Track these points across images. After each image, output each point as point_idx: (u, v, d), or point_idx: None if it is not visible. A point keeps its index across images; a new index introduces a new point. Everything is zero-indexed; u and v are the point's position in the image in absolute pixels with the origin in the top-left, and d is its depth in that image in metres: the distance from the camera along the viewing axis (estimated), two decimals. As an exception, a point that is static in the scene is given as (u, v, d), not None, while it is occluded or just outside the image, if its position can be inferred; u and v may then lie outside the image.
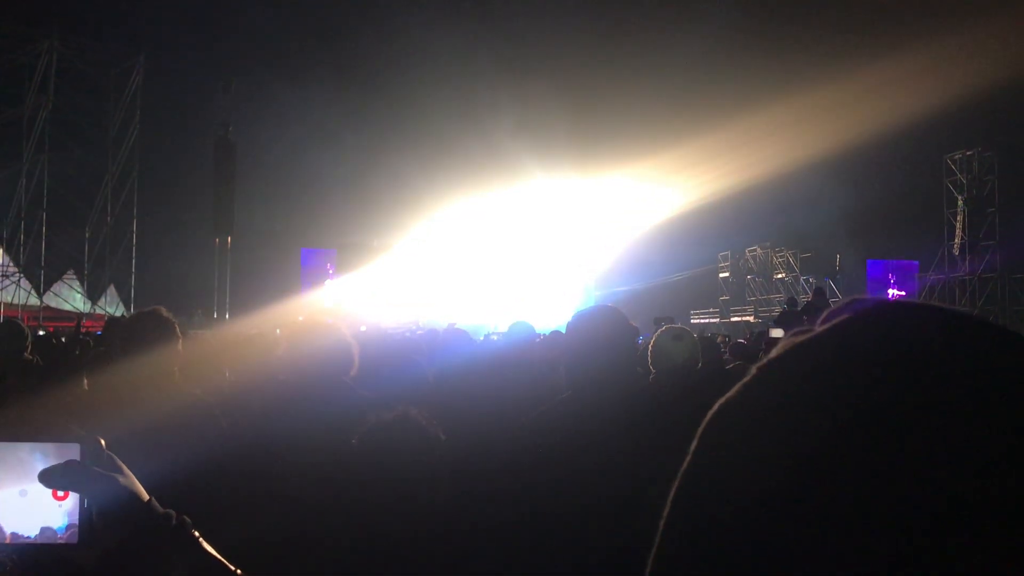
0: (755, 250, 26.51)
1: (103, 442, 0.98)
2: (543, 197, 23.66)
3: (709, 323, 25.39)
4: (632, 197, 23.53)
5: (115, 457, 0.99)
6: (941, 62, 17.71)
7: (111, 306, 23.29)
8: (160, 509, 1.01)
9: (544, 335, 7.09)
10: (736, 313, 25.30)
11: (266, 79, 24.78)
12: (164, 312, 2.67)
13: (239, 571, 1.08)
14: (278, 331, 5.80)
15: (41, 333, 9.25)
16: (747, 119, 20.14)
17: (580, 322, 2.33)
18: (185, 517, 1.04)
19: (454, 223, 24.00)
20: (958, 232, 23.83)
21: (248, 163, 23.07)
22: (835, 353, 0.43)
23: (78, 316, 14.74)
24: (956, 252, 23.89)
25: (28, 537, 0.96)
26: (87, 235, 23.48)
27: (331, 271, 23.36)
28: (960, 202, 23.86)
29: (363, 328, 10.14)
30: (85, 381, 3.40)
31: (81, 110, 22.63)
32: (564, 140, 23.98)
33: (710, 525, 0.42)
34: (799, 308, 16.24)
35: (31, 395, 3.47)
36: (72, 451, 0.96)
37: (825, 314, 0.47)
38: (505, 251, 24.11)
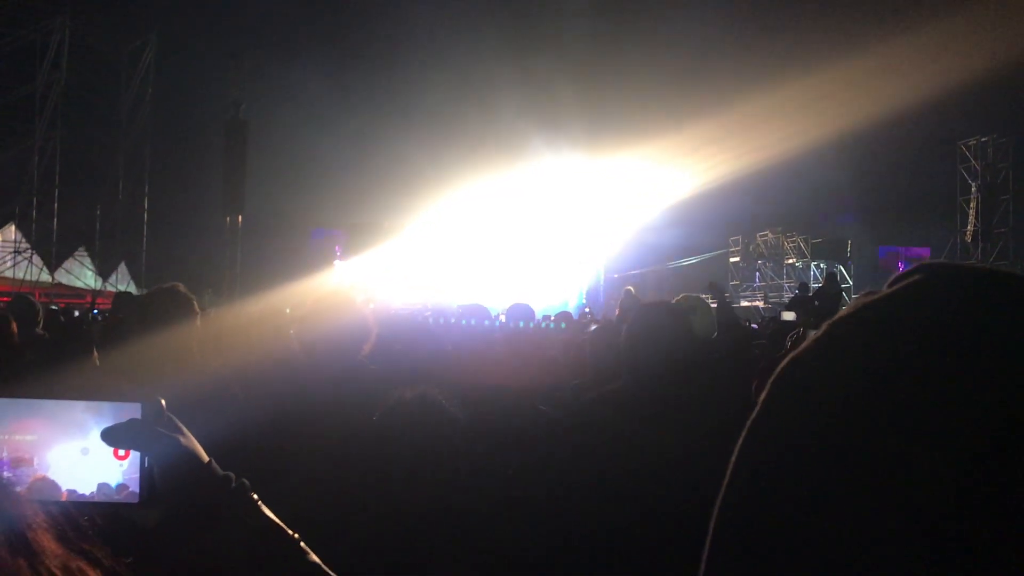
0: (766, 235, 26.40)
1: (164, 403, 1.00)
2: (552, 178, 23.57)
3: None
4: (642, 179, 23.40)
5: (175, 419, 1.01)
6: (956, 45, 17.51)
7: (122, 283, 23.37)
8: (220, 471, 1.03)
9: (550, 315, 7.08)
10: (746, 298, 25.22)
11: (278, 57, 24.70)
12: (182, 288, 2.67)
13: (297, 535, 1.08)
14: (288, 310, 5.80)
15: (53, 307, 9.29)
16: (759, 100, 19.95)
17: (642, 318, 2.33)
18: (245, 480, 1.05)
19: (463, 204, 23.95)
20: (971, 219, 23.66)
21: (259, 142, 23.04)
22: (905, 311, 0.44)
23: (92, 293, 14.80)
24: (969, 239, 23.72)
25: (85, 495, 0.97)
26: (98, 212, 23.54)
27: (339, 252, 23.37)
28: (974, 189, 23.67)
29: (372, 305, 10.13)
30: (96, 356, 3.40)
31: (93, 88, 22.61)
32: (572, 120, 23.87)
33: (779, 470, 0.43)
34: (811, 293, 16.19)
35: (46, 369, 3.48)
36: (132, 411, 0.97)
37: (893, 277, 0.48)
38: (514, 233, 24.05)
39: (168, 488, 0.99)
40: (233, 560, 1.03)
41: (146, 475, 0.98)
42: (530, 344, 3.66)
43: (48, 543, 0.60)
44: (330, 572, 1.09)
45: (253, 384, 2.84)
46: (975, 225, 23.52)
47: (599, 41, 25.98)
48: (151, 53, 23.27)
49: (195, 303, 2.67)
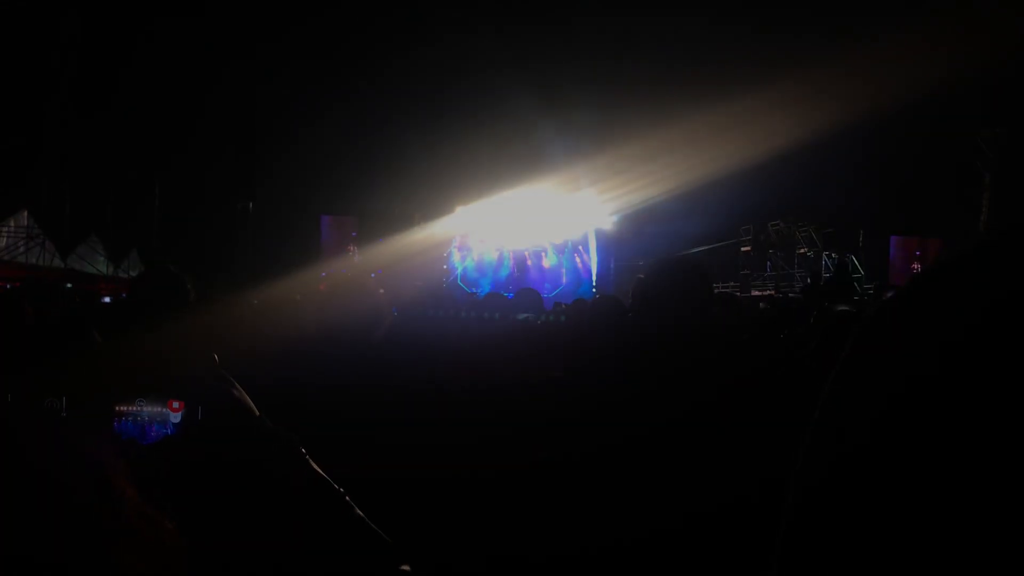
0: (777, 224, 26.26)
1: (216, 357, 1.06)
2: (561, 164, 23.50)
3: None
4: (647, 167, 23.26)
5: (227, 374, 1.07)
6: (971, 35, 17.34)
7: (133, 270, 23.47)
8: (271, 425, 1.08)
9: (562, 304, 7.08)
10: (757, 287, 25.13)
11: (290, 40, 24.65)
12: (173, 269, 2.63)
13: (343, 490, 1.13)
14: (298, 297, 5.82)
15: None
16: (771, 88, 19.80)
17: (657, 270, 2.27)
18: (294, 435, 1.10)
19: (474, 193, 23.95)
20: (984, 209, 23.49)
21: (271, 125, 23.05)
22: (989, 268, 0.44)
23: (104, 279, 14.87)
24: (982, 230, 23.57)
25: (140, 439, 1.03)
26: (111, 198, 23.61)
27: (354, 237, 23.43)
28: (987, 180, 23.49)
29: (382, 291, 10.19)
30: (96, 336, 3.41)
31: (104, 72, 22.63)
32: (581, 107, 23.73)
33: (866, 430, 0.42)
34: (822, 283, 16.12)
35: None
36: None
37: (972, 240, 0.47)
38: (518, 217, 24.07)
39: (217, 438, 1.03)
40: (285, 509, 1.05)
41: (197, 424, 1.03)
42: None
43: (128, 489, 0.62)
44: (375, 527, 1.12)
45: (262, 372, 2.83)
46: (988, 216, 23.35)
47: (609, 26, 25.81)
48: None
49: (188, 285, 2.63)
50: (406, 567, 1.10)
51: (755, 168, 21.02)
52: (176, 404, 1.03)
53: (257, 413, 1.10)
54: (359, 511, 1.13)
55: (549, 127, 23.41)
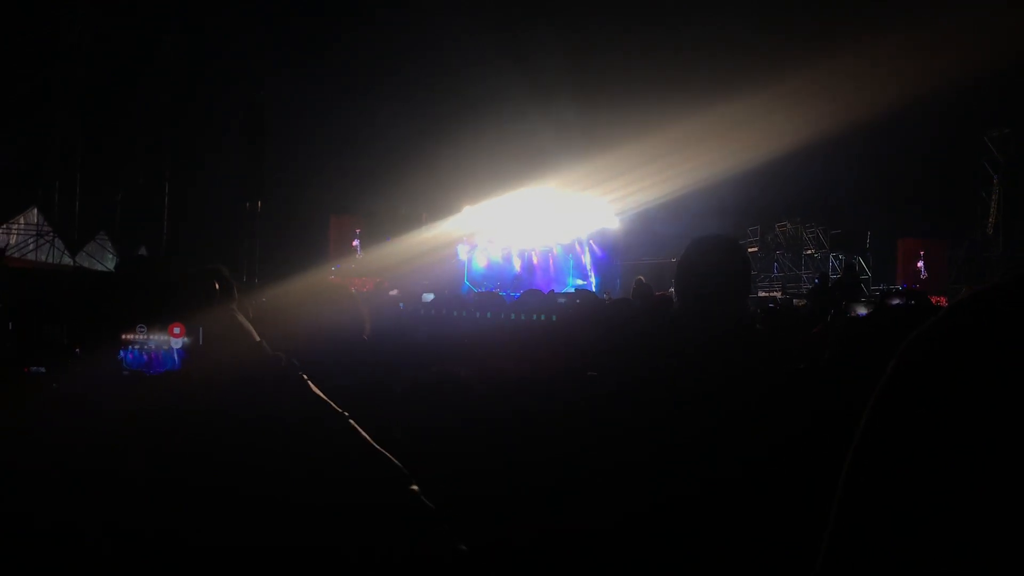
0: (784, 225, 26.22)
1: (217, 284, 1.05)
2: (560, 164, 23.48)
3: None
4: (654, 166, 23.18)
5: (229, 303, 1.06)
6: (980, 35, 17.28)
7: (143, 268, 23.54)
8: (270, 351, 1.07)
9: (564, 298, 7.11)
10: (764, 288, 25.10)
11: (297, 38, 24.70)
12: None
13: (347, 413, 1.13)
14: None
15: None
16: (777, 86, 19.75)
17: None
18: (295, 360, 1.10)
19: (478, 193, 23.95)
20: (992, 211, 23.43)
21: (280, 125, 23.11)
22: None
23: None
24: (990, 232, 23.50)
25: (146, 369, 1.04)
26: (119, 197, 23.69)
27: (359, 233, 23.45)
28: (995, 181, 23.42)
29: (393, 292, 10.25)
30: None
31: (113, 73, 22.73)
32: (580, 105, 23.71)
33: (918, 436, 0.44)
34: (830, 285, 16.11)
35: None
36: None
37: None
38: (519, 220, 24.06)
39: (217, 359, 1.04)
40: (289, 432, 1.05)
41: (198, 345, 1.04)
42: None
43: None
44: (381, 448, 1.11)
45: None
46: (996, 217, 23.29)
47: (607, 23, 25.77)
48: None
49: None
50: (415, 487, 1.11)
51: (762, 169, 21.00)
52: (177, 329, 1.02)
53: (258, 338, 1.10)
54: (364, 433, 1.12)
55: (555, 126, 23.41)
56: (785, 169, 21.77)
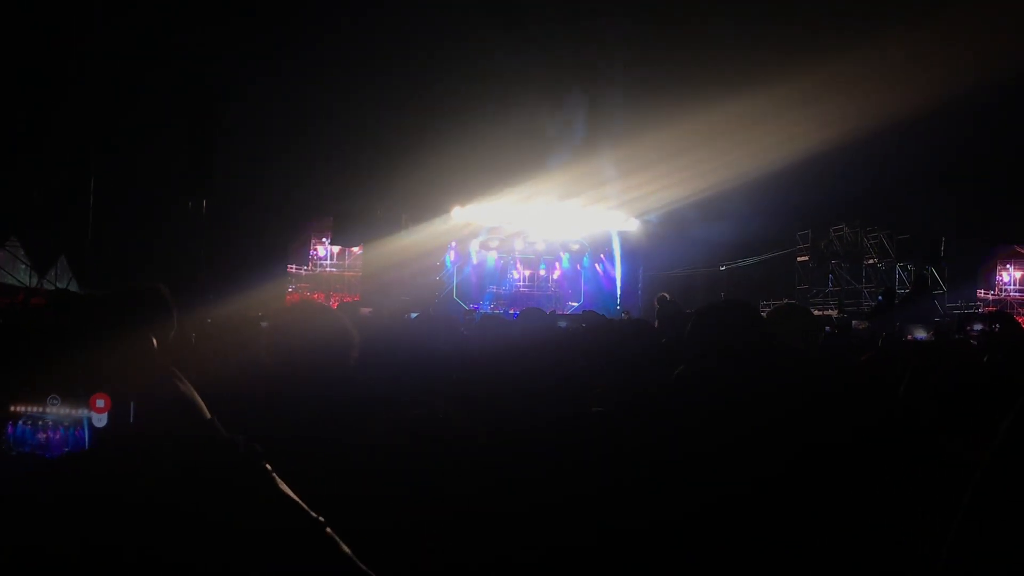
0: (841, 229, 26.17)
1: (156, 343, 1.00)
2: (574, 153, 23.42)
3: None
4: (687, 158, 23.10)
5: (171, 366, 0.99)
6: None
7: (61, 280, 23.39)
8: (225, 432, 0.95)
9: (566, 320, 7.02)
10: (817, 306, 25.00)
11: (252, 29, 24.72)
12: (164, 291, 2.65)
13: (323, 519, 1.04)
14: (263, 322, 5.73)
15: None
16: (836, 65, 19.62)
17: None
18: (256, 446, 0.96)
19: (473, 194, 23.88)
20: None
21: (231, 110, 23.02)
22: None
23: (25, 291, 14.72)
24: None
25: (43, 451, 0.95)
26: (34, 197, 23.58)
27: (327, 241, 23.37)
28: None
29: (366, 310, 10.12)
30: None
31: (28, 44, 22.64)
32: (606, 89, 23.68)
33: None
34: (897, 301, 15.92)
35: None
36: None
37: None
38: (519, 222, 24.05)
39: (156, 443, 0.94)
40: (245, 531, 0.96)
41: (126, 422, 0.95)
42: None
43: None
44: (366, 569, 1.03)
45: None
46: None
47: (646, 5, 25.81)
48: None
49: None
50: None
51: (814, 161, 20.86)
52: (101, 402, 0.95)
53: (208, 416, 1.02)
54: (344, 547, 1.04)
55: (564, 108, 23.37)
56: (841, 161, 21.67)
